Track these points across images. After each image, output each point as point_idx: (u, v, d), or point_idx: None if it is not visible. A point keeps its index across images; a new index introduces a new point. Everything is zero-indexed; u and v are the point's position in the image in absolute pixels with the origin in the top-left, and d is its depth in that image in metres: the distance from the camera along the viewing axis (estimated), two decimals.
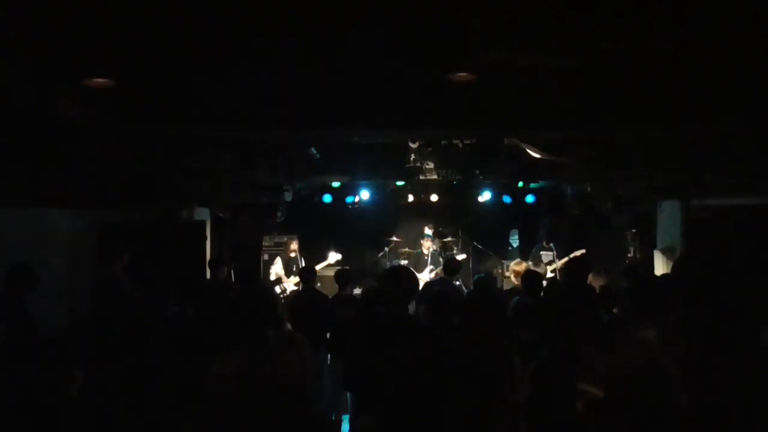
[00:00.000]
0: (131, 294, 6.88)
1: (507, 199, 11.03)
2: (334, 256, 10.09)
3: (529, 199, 11.16)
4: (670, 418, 1.71)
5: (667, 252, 9.85)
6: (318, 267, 8.78)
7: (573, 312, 3.47)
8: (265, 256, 11.01)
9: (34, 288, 5.24)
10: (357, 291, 9.49)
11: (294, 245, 10.22)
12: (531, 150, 7.64)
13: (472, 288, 7.24)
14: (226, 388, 3.47)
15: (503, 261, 11.22)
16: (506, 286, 9.61)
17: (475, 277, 7.45)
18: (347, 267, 9.31)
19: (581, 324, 3.46)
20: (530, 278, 6.40)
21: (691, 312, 3.22)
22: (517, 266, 7.48)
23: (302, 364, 3.74)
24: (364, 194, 10.50)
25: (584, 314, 3.60)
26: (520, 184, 10.12)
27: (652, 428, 1.70)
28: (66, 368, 3.90)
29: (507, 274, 10.38)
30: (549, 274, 10.27)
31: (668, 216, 10.02)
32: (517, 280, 7.20)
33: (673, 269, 3.68)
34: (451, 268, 7.60)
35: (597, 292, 6.31)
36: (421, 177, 9.24)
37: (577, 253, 10.19)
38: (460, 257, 11.04)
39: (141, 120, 5.34)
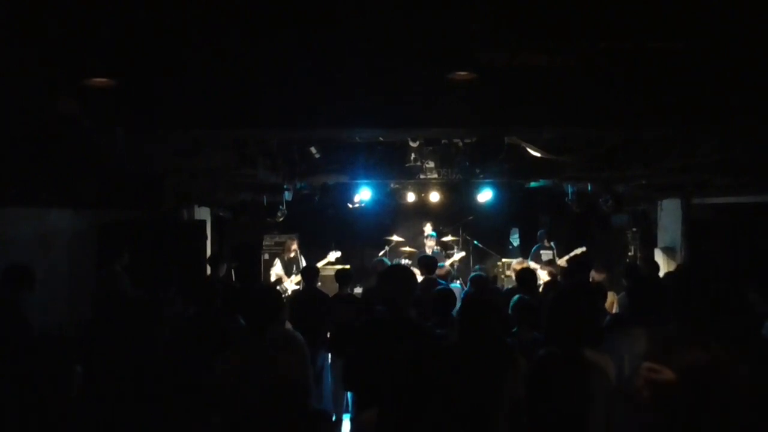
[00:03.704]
0: (131, 293, 6.89)
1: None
2: (333, 254, 10.10)
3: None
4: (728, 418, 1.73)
5: (667, 251, 9.87)
6: (318, 265, 8.78)
7: (574, 311, 3.45)
8: (266, 256, 11.03)
9: (32, 288, 5.24)
10: (357, 290, 9.51)
11: (294, 245, 10.24)
12: (531, 149, 7.63)
13: (468, 286, 7.24)
14: (226, 386, 3.48)
15: (503, 260, 11.23)
16: (507, 285, 9.62)
17: (471, 275, 7.45)
18: (348, 266, 9.34)
19: (582, 323, 3.45)
20: (525, 276, 6.40)
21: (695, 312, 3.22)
22: (518, 265, 7.48)
23: (300, 363, 3.74)
24: (365, 193, 10.50)
25: (585, 313, 3.59)
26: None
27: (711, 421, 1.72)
28: (65, 368, 3.90)
29: (508, 272, 10.40)
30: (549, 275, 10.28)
31: (669, 215, 10.04)
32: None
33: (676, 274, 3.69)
34: (428, 265, 7.58)
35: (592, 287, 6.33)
36: (422, 176, 9.24)
37: (578, 251, 10.21)
38: (459, 255, 11.05)
39: (141, 120, 5.35)
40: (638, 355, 2.95)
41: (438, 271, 7.72)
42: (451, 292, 5.56)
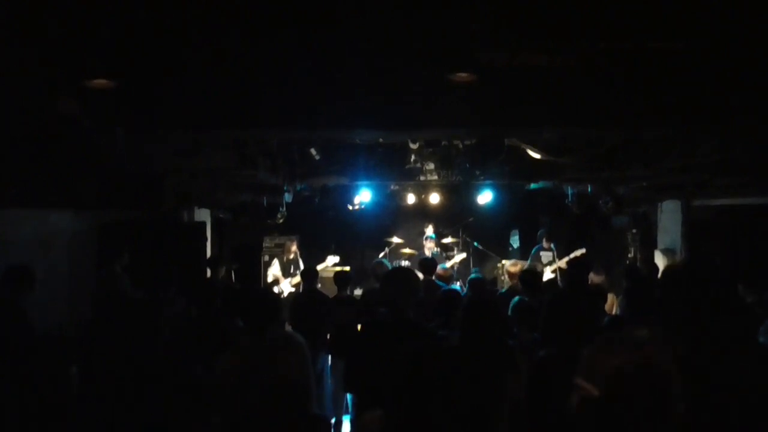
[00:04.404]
0: (131, 293, 6.89)
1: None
2: (332, 259, 10.10)
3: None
4: (665, 419, 1.72)
5: (667, 252, 9.86)
6: (317, 268, 8.78)
7: (573, 311, 3.45)
8: (266, 257, 11.02)
9: (32, 288, 5.24)
10: (357, 292, 9.50)
11: (294, 246, 10.23)
12: (531, 150, 7.63)
13: (467, 289, 7.24)
14: (226, 387, 3.47)
15: (503, 261, 11.22)
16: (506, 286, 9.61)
17: (470, 277, 7.45)
18: (347, 268, 9.33)
19: (581, 323, 3.45)
20: (529, 278, 6.39)
21: (690, 312, 3.21)
22: (512, 267, 7.48)
23: (300, 363, 3.74)
24: (365, 195, 10.49)
25: (584, 314, 3.59)
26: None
27: (645, 429, 1.71)
28: (64, 368, 3.90)
29: (503, 275, 10.39)
30: (549, 275, 10.28)
31: (669, 216, 10.04)
32: (512, 281, 7.21)
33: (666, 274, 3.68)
34: (428, 267, 7.59)
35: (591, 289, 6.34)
36: (422, 178, 9.23)
37: (578, 252, 10.19)
38: (460, 257, 11.05)
39: (141, 120, 5.35)
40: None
41: (441, 273, 7.71)
42: (456, 293, 5.56)
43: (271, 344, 3.62)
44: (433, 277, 7.46)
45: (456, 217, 11.97)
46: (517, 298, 5.54)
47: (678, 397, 1.73)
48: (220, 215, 10.64)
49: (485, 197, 10.46)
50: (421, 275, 7.39)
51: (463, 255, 11.24)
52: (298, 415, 3.47)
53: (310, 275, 7.46)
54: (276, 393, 3.41)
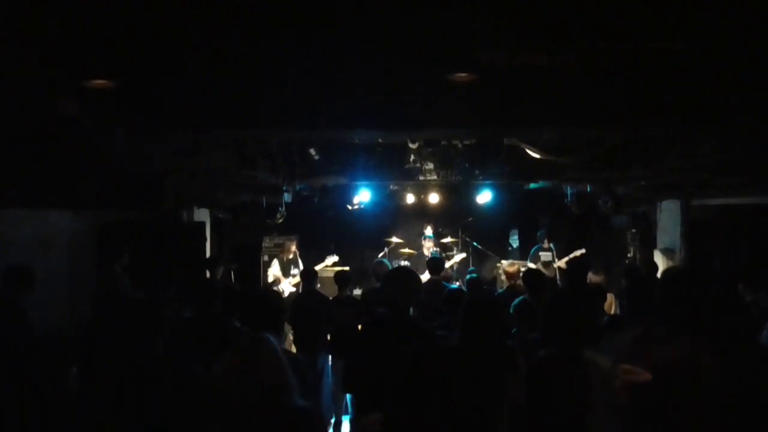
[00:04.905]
0: (131, 293, 6.89)
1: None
2: (331, 259, 10.11)
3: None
4: (705, 411, 1.73)
5: (667, 252, 9.87)
6: (316, 268, 8.79)
7: (573, 311, 3.45)
8: (265, 258, 11.02)
9: (32, 289, 5.24)
10: (357, 292, 9.51)
11: (293, 246, 10.23)
12: (531, 150, 7.63)
13: (466, 289, 7.26)
14: (224, 387, 3.47)
15: (503, 261, 11.23)
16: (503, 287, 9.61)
17: (467, 277, 7.46)
18: (347, 268, 9.33)
19: (581, 323, 3.45)
20: (531, 278, 6.40)
21: (690, 312, 3.21)
22: (509, 267, 7.50)
23: (273, 364, 3.75)
24: (364, 195, 10.49)
25: (584, 314, 3.59)
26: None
27: (687, 417, 1.73)
28: (64, 368, 3.89)
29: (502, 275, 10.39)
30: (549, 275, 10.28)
31: (668, 216, 10.04)
32: (509, 281, 7.22)
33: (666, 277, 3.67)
34: (434, 267, 7.61)
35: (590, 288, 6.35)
36: (421, 178, 9.24)
37: (577, 252, 10.20)
38: (460, 257, 11.05)
39: (141, 120, 5.35)
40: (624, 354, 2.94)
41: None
42: (461, 293, 5.57)
43: (245, 346, 3.65)
44: None
45: (455, 217, 11.97)
46: (520, 297, 5.56)
47: (715, 395, 1.74)
48: (220, 215, 10.65)
49: (485, 197, 10.46)
50: (428, 275, 7.41)
51: (463, 255, 11.24)
52: (285, 410, 3.48)
53: (309, 276, 7.47)
54: (260, 392, 3.42)
